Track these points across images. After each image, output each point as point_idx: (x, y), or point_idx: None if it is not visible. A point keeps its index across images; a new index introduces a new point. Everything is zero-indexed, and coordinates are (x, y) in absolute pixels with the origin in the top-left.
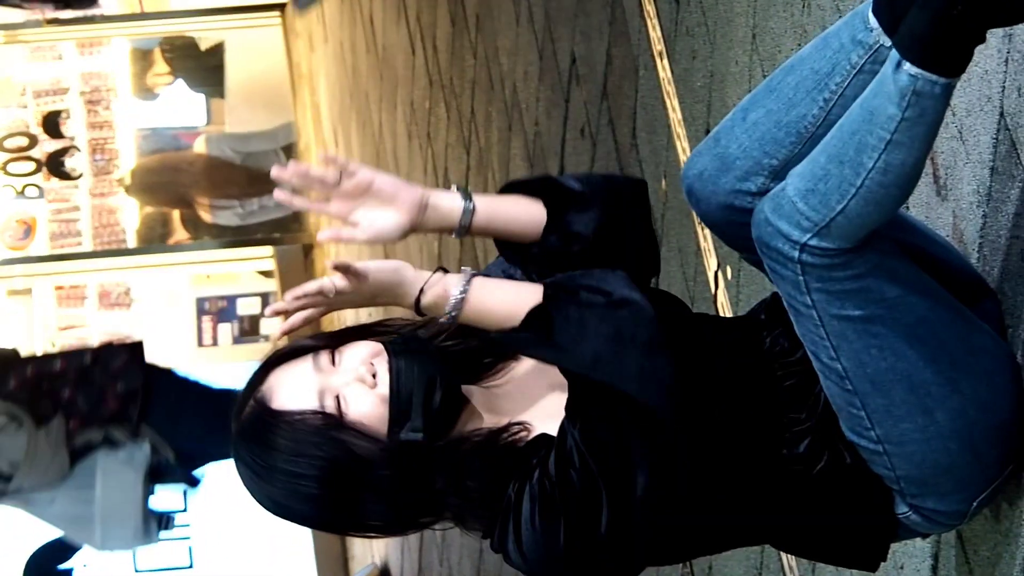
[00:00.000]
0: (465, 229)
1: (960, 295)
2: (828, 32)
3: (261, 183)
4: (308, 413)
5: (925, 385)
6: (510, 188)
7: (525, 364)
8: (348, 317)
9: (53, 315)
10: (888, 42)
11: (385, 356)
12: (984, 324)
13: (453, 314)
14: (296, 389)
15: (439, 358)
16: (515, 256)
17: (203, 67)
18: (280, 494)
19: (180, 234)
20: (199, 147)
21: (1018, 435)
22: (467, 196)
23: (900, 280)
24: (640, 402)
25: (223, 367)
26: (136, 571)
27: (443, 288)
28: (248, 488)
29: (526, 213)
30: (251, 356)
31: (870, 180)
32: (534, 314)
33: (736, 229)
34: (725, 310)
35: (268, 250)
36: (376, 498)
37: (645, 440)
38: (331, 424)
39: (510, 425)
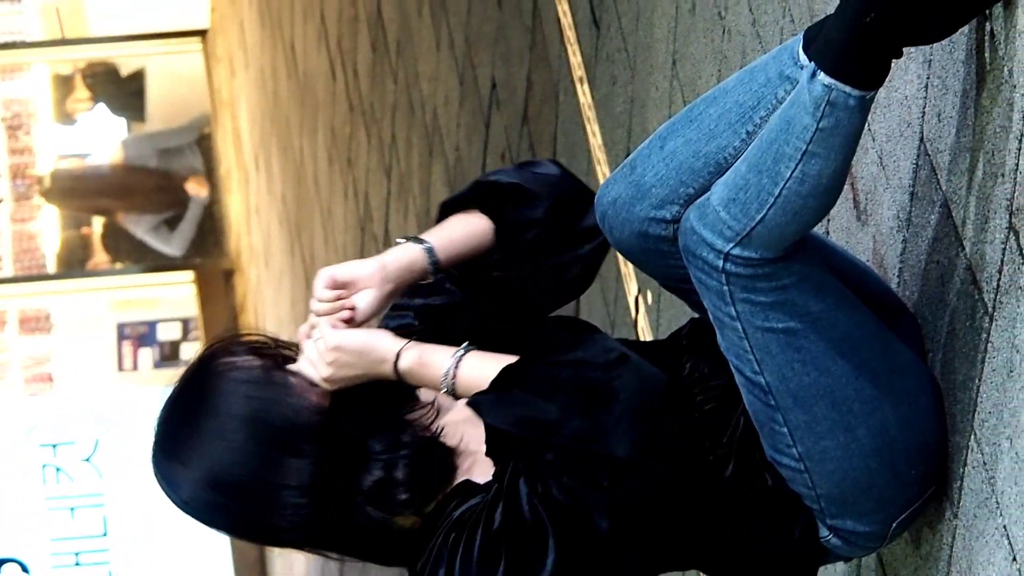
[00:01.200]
0: (436, 267)
1: (881, 318)
2: (754, 65)
3: (176, 191)
4: (254, 358)
5: (848, 402)
6: (446, 209)
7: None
8: None
9: None
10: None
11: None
12: (906, 345)
13: (449, 391)
14: (245, 355)
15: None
16: (475, 272)
17: (124, 92)
18: (203, 445)
19: (100, 257)
20: (117, 153)
21: (939, 456)
22: (418, 240)
23: (825, 294)
24: (608, 455)
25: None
26: None
27: (421, 358)
28: (165, 454)
29: (474, 228)
30: (171, 381)
31: (787, 190)
32: (505, 372)
33: (650, 256)
34: (646, 334)
35: (189, 275)
36: (301, 465)
37: (602, 487)
38: (277, 366)
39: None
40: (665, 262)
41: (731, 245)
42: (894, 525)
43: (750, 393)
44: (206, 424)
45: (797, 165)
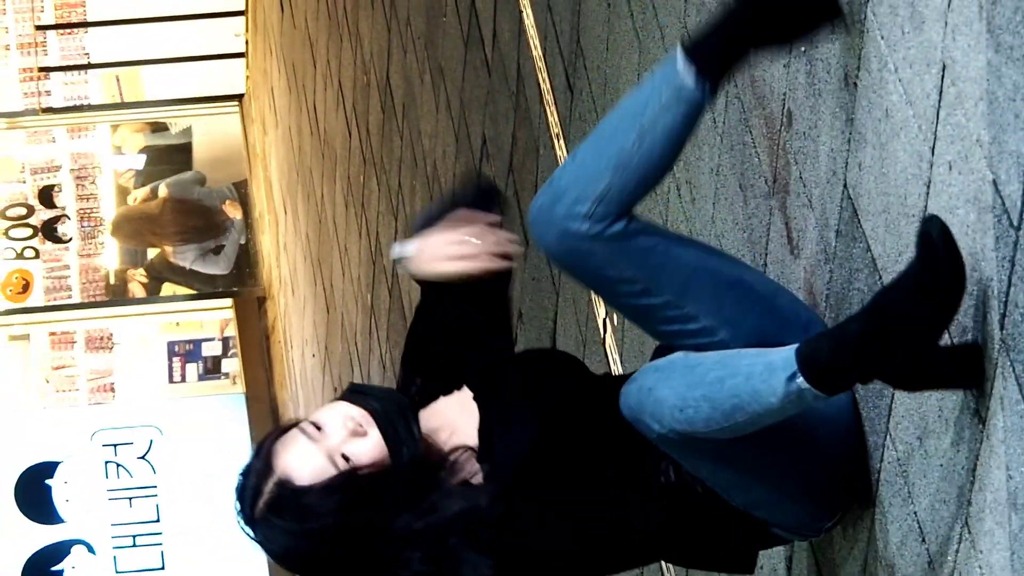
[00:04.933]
0: None
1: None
2: (644, 78)
3: (215, 221)
4: (333, 479)
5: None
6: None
7: (452, 399)
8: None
9: (47, 357)
10: (692, 82)
11: (357, 409)
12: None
13: None
14: (309, 464)
15: (391, 393)
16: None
17: (174, 148)
18: (308, 541)
19: (140, 293)
20: (163, 191)
21: (855, 472)
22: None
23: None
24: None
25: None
26: (116, 572)
27: None
28: (278, 549)
29: None
30: (214, 391)
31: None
32: None
33: (576, 259)
34: (613, 352)
35: (228, 302)
36: (401, 511)
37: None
38: (351, 476)
39: (455, 449)
40: (589, 263)
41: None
42: (827, 525)
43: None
44: (309, 535)
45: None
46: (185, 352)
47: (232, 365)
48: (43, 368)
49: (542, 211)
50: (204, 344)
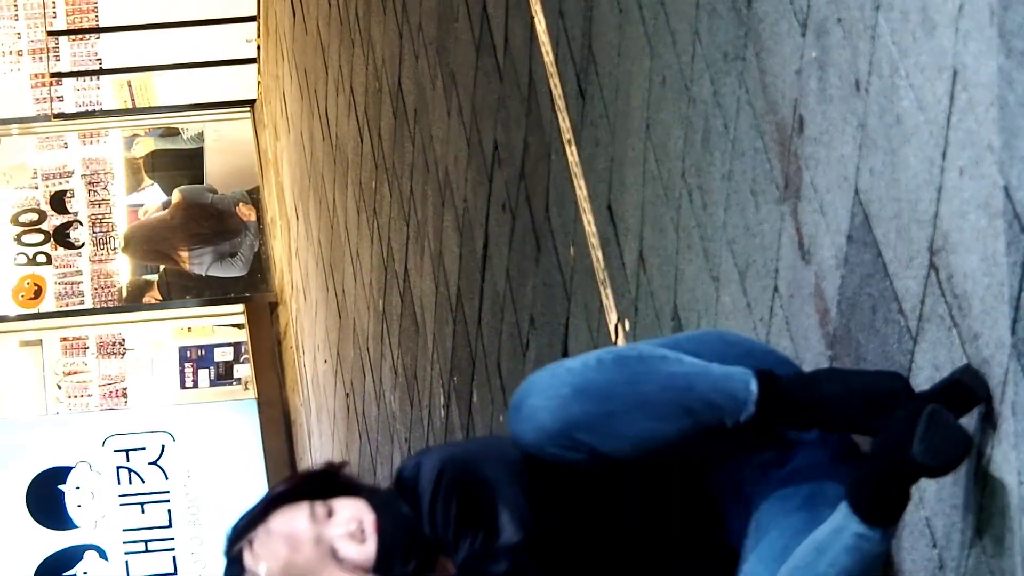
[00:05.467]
0: None
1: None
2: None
3: (229, 224)
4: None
5: None
6: None
7: None
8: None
9: (59, 362)
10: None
11: (372, 516)
12: None
13: None
14: (294, 536)
15: (415, 525)
16: None
17: (186, 154)
18: None
19: (156, 296)
20: (176, 196)
21: None
22: None
23: None
24: None
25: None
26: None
27: None
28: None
29: None
30: (226, 396)
31: None
32: None
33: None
34: None
35: (240, 307)
36: None
37: None
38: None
39: None
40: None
41: None
42: None
43: None
44: None
45: None
46: (197, 358)
47: (244, 371)
48: (55, 373)
49: (512, 409)
50: (216, 350)
